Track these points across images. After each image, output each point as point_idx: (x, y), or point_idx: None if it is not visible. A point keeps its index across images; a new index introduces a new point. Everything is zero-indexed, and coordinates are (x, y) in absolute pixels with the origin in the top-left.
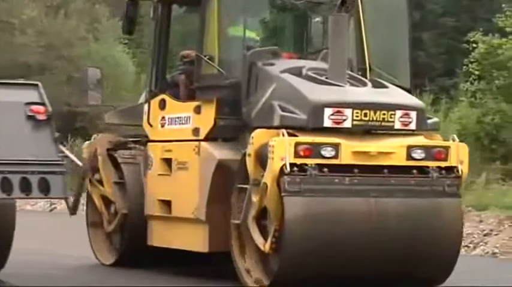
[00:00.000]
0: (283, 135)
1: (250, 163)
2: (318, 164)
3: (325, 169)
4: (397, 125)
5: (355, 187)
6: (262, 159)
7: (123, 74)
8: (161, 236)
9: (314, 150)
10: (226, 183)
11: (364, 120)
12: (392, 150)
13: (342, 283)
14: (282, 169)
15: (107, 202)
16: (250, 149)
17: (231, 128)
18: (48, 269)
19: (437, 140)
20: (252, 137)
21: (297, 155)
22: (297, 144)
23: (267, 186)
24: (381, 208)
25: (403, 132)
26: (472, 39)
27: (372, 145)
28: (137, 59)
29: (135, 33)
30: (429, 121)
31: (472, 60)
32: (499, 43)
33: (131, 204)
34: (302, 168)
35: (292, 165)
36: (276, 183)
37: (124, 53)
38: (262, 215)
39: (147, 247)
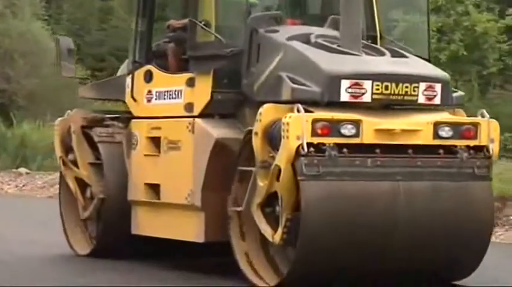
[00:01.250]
0: (298, 110)
1: (257, 142)
2: (336, 144)
3: (345, 150)
4: (421, 100)
5: (378, 169)
6: (271, 138)
7: (43, 51)
8: (148, 225)
9: (333, 128)
10: (225, 165)
11: (385, 94)
12: (417, 127)
13: (363, 277)
14: (297, 150)
15: (82, 185)
16: (258, 127)
17: (229, 103)
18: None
19: (463, 117)
20: (260, 113)
21: (314, 133)
22: (314, 121)
23: (279, 169)
24: (406, 193)
25: (427, 107)
26: None
27: (395, 122)
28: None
29: (53, 10)
30: (454, 95)
31: None
32: None
33: (110, 188)
34: (319, 148)
35: (308, 145)
36: (290, 165)
37: (43, 30)
38: (268, 202)
39: (127, 235)
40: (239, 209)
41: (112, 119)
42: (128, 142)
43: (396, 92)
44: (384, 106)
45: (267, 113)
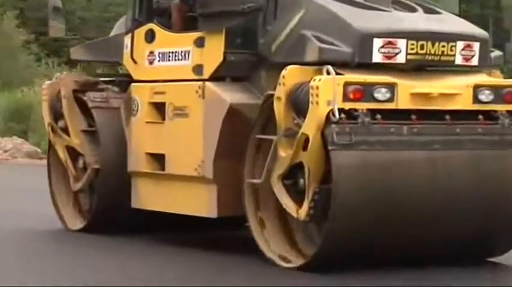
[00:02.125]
0: (327, 73)
1: (279, 108)
2: (369, 110)
3: (378, 116)
4: (458, 60)
5: (414, 137)
6: (297, 103)
7: None
8: (151, 198)
9: (366, 92)
10: (239, 133)
11: (420, 54)
12: (456, 91)
13: (394, 250)
14: (327, 116)
15: (74, 154)
16: (280, 91)
17: (243, 65)
18: None
19: (500, 79)
20: (283, 76)
21: (345, 98)
22: (346, 84)
23: (306, 138)
24: (444, 163)
25: (464, 69)
26: None
27: (432, 85)
28: None
29: None
30: (492, 55)
31: None
32: None
33: (105, 158)
34: (351, 115)
35: (339, 111)
36: (319, 134)
37: None
38: (290, 174)
39: (124, 209)
40: (257, 181)
41: (106, 82)
42: (126, 108)
43: (432, 51)
44: (418, 68)
45: (291, 75)
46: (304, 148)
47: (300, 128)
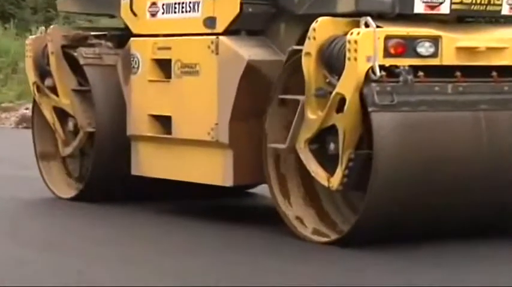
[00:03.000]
0: (366, 25)
1: (309, 65)
2: (410, 66)
3: (420, 73)
4: (505, 11)
5: (459, 96)
6: (330, 60)
7: None
8: (155, 165)
9: (408, 46)
10: (258, 93)
11: (465, 4)
12: (504, 45)
13: (436, 219)
14: (367, 74)
15: (63, 116)
16: (310, 46)
17: (260, 18)
18: None
19: None
20: (313, 29)
21: (386, 53)
22: (387, 38)
23: (341, 98)
24: (491, 125)
25: (510, 20)
26: None
27: (478, 38)
28: None
29: None
30: None
31: None
32: None
33: (100, 120)
34: (392, 72)
35: (379, 68)
36: (358, 94)
37: None
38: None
39: (120, 176)
40: (280, 146)
41: (97, 37)
42: (125, 65)
43: (477, 1)
44: (461, 19)
45: (323, 28)
46: (338, 110)
47: (333, 87)
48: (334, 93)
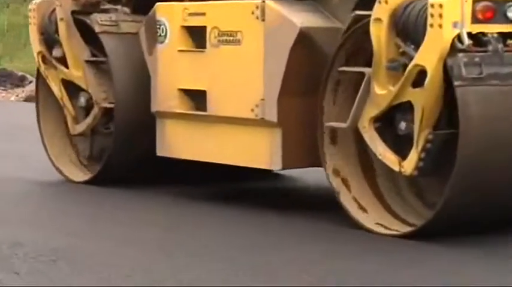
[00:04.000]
0: None
1: (379, 33)
2: (499, 34)
3: (510, 41)
4: None
5: None
6: (405, 27)
7: None
8: (185, 145)
9: (497, 10)
10: (311, 64)
11: None
12: None
13: None
14: (452, 43)
15: (73, 90)
16: (380, 11)
17: None
18: None
19: None
20: None
21: (473, 19)
22: (475, 0)
23: (421, 70)
24: None
25: None
26: None
27: None
28: None
29: None
30: None
31: None
32: None
33: (119, 94)
34: (479, 40)
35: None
36: (441, 65)
37: None
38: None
39: (141, 158)
40: (340, 125)
41: (111, 2)
42: (149, 33)
43: None
44: None
45: None
46: (415, 84)
47: (409, 58)
48: (411, 65)
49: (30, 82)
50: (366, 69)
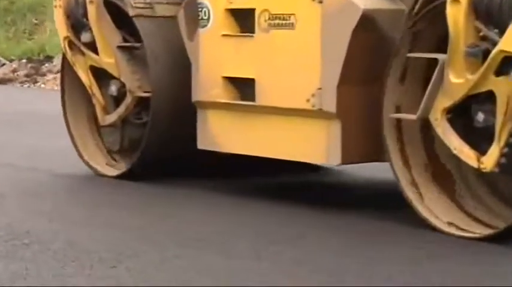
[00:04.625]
0: None
1: (457, 15)
2: None
3: None
4: None
5: None
6: (488, 8)
7: None
8: (232, 138)
9: None
10: (373, 50)
11: None
12: None
13: None
14: None
15: (103, 78)
16: None
17: None
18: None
19: None
20: None
21: None
22: None
23: (505, 57)
24: None
25: None
26: None
27: None
28: None
29: None
30: None
31: None
32: None
33: (156, 82)
34: None
35: None
36: None
37: None
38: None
39: (178, 151)
40: (409, 117)
41: None
42: (190, 17)
43: None
44: None
45: None
46: (498, 72)
47: (491, 43)
48: (495, 51)
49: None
50: (440, 56)
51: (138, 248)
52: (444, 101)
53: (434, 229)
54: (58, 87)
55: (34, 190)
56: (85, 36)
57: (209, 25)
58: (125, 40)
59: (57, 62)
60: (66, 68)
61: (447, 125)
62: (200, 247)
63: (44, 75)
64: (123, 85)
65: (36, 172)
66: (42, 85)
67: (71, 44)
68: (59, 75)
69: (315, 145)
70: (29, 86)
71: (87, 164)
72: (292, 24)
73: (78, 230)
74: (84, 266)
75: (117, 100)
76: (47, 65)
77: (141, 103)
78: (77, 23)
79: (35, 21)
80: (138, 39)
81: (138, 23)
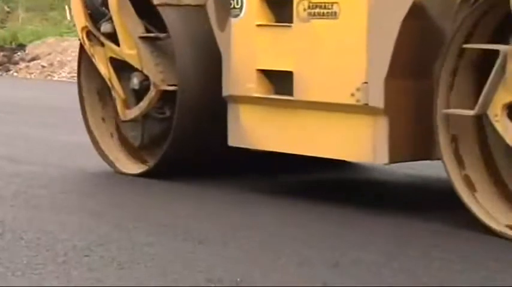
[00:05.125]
0: None
1: None
2: None
3: None
4: None
5: None
6: None
7: None
8: (267, 135)
9: None
10: (425, 41)
11: None
12: None
13: None
14: None
15: (123, 70)
16: None
17: None
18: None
19: None
20: None
21: None
22: None
23: None
24: None
25: None
26: None
27: None
28: None
29: None
30: None
31: None
32: None
33: (182, 75)
34: None
35: None
36: None
37: None
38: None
39: (206, 148)
40: (465, 112)
41: None
42: (221, 5)
43: None
44: None
45: None
46: None
47: None
48: None
49: None
50: (502, 47)
51: (110, 236)
52: (505, 96)
53: (489, 231)
54: (30, 76)
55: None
56: (105, 27)
57: (242, 14)
58: (147, 31)
59: (29, 50)
60: (84, 60)
61: (508, 122)
62: (165, 232)
63: (16, 63)
64: (145, 78)
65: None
66: (15, 73)
67: (89, 35)
68: (31, 63)
69: (360, 143)
70: (1, 75)
71: (108, 162)
72: (335, 13)
73: (50, 218)
74: (58, 254)
75: (138, 94)
76: (19, 53)
77: (164, 97)
78: (96, 13)
79: (7, 9)
80: (162, 29)
81: (164, 12)
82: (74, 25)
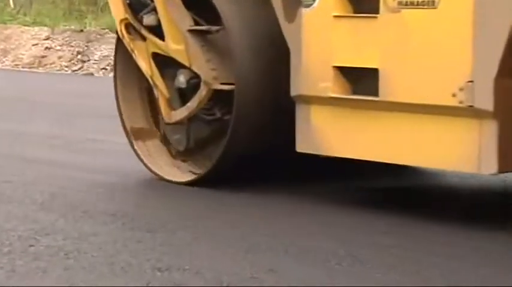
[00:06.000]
0: None
1: None
2: None
3: None
4: None
5: None
6: None
7: None
8: (347, 141)
9: None
10: None
11: None
12: None
13: None
14: None
15: (168, 68)
16: None
17: None
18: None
19: None
20: None
21: None
22: None
23: None
24: None
25: None
26: None
27: None
28: None
29: None
30: None
31: None
32: None
33: (241, 73)
34: None
35: None
36: None
37: None
38: None
39: (266, 154)
40: None
41: None
42: None
43: None
44: None
45: None
46: None
47: None
48: None
49: None
50: None
51: (56, 225)
52: None
53: None
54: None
55: None
56: (148, 19)
57: (316, 4)
58: (196, 23)
59: None
60: (122, 55)
61: None
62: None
63: None
64: (194, 75)
65: None
66: None
67: (128, 26)
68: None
69: (463, 150)
70: None
71: (151, 171)
72: (433, 2)
73: None
74: (3, 244)
75: (184, 93)
76: None
77: (214, 97)
78: (137, 3)
79: None
80: (212, 21)
81: (217, 3)
82: (17, 12)
